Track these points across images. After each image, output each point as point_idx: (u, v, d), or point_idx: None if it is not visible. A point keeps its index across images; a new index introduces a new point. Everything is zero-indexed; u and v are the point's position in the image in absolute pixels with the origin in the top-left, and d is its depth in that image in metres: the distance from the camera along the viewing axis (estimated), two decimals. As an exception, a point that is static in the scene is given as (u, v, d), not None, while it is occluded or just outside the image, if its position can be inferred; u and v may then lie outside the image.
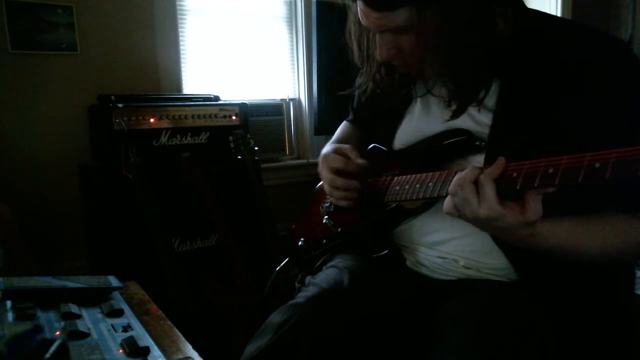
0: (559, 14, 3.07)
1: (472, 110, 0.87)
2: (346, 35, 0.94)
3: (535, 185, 0.63)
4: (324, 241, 1.08)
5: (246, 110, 2.21)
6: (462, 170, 0.74)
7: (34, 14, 2.07)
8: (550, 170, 0.62)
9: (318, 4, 2.54)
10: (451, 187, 0.72)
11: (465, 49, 0.77)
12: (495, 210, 0.66)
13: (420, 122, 0.96)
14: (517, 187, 0.65)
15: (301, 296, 0.90)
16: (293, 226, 1.21)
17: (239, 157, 2.00)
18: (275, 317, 0.85)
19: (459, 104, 0.84)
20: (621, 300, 0.86)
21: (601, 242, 0.74)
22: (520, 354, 0.72)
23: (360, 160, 0.97)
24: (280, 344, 0.80)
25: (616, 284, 0.86)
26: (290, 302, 0.88)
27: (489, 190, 0.67)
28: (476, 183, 0.69)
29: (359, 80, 1.18)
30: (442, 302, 0.85)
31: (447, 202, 0.73)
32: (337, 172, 0.97)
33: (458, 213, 0.72)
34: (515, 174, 0.66)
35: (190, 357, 0.74)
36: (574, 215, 0.74)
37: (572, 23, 0.91)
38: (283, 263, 1.18)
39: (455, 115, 0.85)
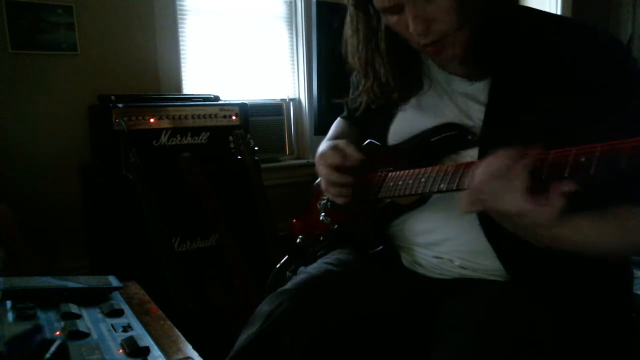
0: (559, 14, 3.07)
1: (465, 105, 0.87)
2: (342, 48, 0.94)
3: (566, 174, 0.61)
4: (321, 238, 1.09)
5: (246, 110, 2.21)
6: (455, 164, 0.75)
7: (34, 14, 2.06)
8: (583, 159, 0.59)
9: (318, 4, 2.54)
10: (477, 183, 0.69)
11: None
12: (525, 206, 0.63)
13: (413, 117, 0.96)
14: (543, 178, 0.63)
15: (290, 283, 0.90)
16: (294, 220, 1.22)
17: (239, 157, 2.00)
18: (265, 306, 0.85)
19: (483, 66, 0.83)
20: (620, 300, 0.86)
21: (616, 242, 0.72)
22: (521, 354, 0.72)
23: (357, 155, 0.96)
24: (270, 330, 0.80)
25: (615, 284, 0.86)
26: (279, 289, 0.89)
27: (522, 185, 0.63)
28: (503, 176, 0.66)
29: (354, 80, 1.18)
30: (440, 302, 0.86)
31: (467, 197, 0.70)
32: (335, 168, 0.97)
33: (482, 207, 0.69)
34: (543, 164, 0.63)
35: (190, 357, 0.74)
36: (589, 214, 0.71)
37: (561, 18, 0.91)
38: (282, 261, 1.18)
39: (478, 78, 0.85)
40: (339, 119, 1.24)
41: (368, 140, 1.05)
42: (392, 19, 0.82)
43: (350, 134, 1.18)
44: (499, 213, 0.69)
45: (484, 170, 0.69)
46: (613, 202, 0.71)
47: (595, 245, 0.72)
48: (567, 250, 0.72)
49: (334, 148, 0.99)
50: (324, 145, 1.06)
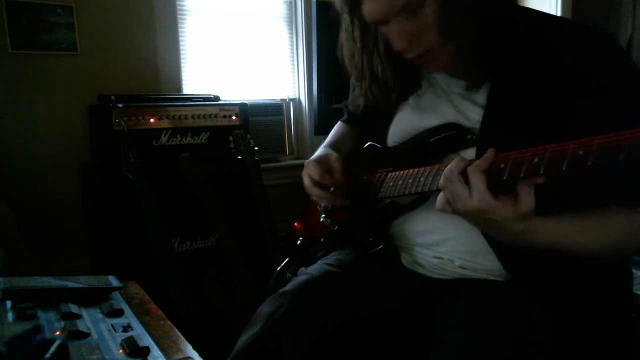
0: (559, 14, 3.07)
1: (462, 106, 0.87)
2: (338, 52, 0.95)
3: (522, 175, 0.64)
4: (322, 239, 1.09)
5: (246, 110, 2.21)
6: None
7: (34, 14, 2.06)
8: (536, 160, 0.63)
9: (318, 4, 2.53)
10: (441, 181, 0.73)
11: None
12: (487, 201, 0.67)
13: (412, 117, 0.96)
14: (504, 178, 0.66)
15: (290, 284, 0.91)
16: (295, 224, 1.22)
17: (239, 157, 2.00)
18: (265, 307, 0.86)
19: (480, 71, 0.83)
20: (620, 300, 0.86)
21: (600, 240, 0.74)
22: (521, 354, 0.72)
23: (340, 176, 0.98)
24: (271, 331, 0.81)
25: (615, 284, 0.86)
26: (279, 290, 0.89)
27: (479, 183, 0.67)
28: (464, 175, 0.69)
29: (353, 83, 1.19)
30: (440, 302, 0.86)
31: (439, 198, 0.74)
32: (315, 182, 0.99)
33: (451, 208, 0.72)
34: (502, 165, 0.66)
35: (190, 357, 0.74)
36: (574, 212, 0.73)
37: (561, 19, 0.91)
38: (283, 263, 1.18)
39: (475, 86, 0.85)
40: (339, 122, 1.24)
41: (368, 143, 1.06)
42: (382, 29, 0.82)
43: (350, 136, 1.19)
44: (463, 212, 0.71)
45: (444, 174, 0.72)
46: (595, 203, 0.73)
47: (576, 243, 0.73)
48: (548, 248, 0.73)
49: (319, 161, 1.01)
50: (318, 152, 1.08)
